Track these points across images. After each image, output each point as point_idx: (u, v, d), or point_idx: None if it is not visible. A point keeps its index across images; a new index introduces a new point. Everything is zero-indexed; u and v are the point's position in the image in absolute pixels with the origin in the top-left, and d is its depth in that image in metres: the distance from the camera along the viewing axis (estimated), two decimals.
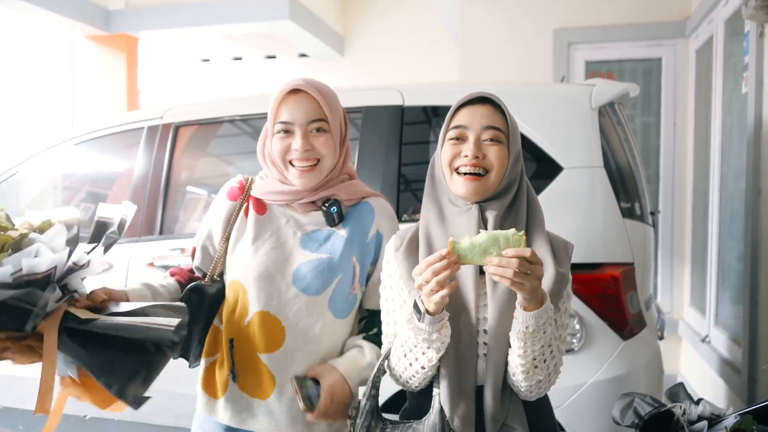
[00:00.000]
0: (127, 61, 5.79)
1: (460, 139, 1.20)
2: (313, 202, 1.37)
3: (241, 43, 6.70)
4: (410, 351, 1.15)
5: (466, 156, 1.18)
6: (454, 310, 1.14)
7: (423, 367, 1.14)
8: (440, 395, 1.16)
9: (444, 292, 1.05)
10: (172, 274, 1.45)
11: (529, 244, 1.17)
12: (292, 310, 1.31)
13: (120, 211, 1.32)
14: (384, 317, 1.26)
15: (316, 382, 1.29)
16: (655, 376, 2.17)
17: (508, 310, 1.13)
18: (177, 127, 2.59)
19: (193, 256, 1.45)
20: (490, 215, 1.18)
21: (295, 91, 1.31)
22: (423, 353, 1.13)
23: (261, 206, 1.39)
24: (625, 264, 2.04)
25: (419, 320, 1.09)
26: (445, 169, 1.21)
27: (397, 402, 1.39)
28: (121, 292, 1.28)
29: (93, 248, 1.23)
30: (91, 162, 2.92)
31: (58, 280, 1.15)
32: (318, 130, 1.32)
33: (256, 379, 1.33)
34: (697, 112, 3.74)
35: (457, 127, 1.21)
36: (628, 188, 2.22)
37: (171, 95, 6.78)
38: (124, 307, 1.19)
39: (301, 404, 1.25)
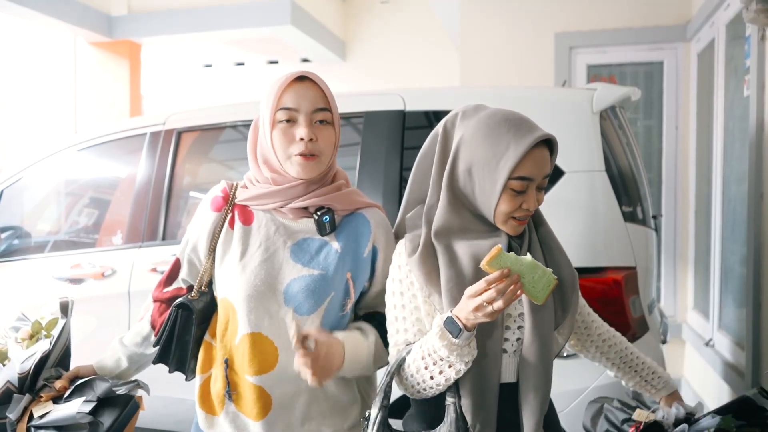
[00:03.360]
0: (129, 67, 5.82)
1: (523, 191, 1.18)
2: (305, 209, 1.30)
3: (244, 48, 6.72)
4: (434, 364, 1.12)
5: (527, 209, 1.18)
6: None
7: (447, 380, 1.13)
8: (460, 404, 1.15)
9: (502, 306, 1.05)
10: (156, 307, 1.43)
11: (562, 281, 1.22)
12: (284, 330, 1.24)
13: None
14: (392, 323, 1.23)
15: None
16: None
17: (544, 307, 1.17)
18: (179, 133, 2.60)
19: (175, 265, 1.41)
20: (517, 242, 1.21)
21: (299, 80, 1.27)
22: (450, 366, 1.11)
23: (247, 215, 1.32)
24: (627, 268, 2.04)
25: (456, 336, 1.08)
26: (498, 216, 1.18)
27: (399, 407, 1.38)
28: (88, 367, 1.46)
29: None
30: (94, 168, 2.93)
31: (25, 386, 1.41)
32: (322, 121, 1.27)
33: (250, 398, 1.28)
34: (699, 116, 3.74)
35: (522, 178, 1.16)
36: (629, 192, 2.22)
37: (173, 101, 6.81)
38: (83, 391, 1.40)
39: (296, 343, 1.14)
